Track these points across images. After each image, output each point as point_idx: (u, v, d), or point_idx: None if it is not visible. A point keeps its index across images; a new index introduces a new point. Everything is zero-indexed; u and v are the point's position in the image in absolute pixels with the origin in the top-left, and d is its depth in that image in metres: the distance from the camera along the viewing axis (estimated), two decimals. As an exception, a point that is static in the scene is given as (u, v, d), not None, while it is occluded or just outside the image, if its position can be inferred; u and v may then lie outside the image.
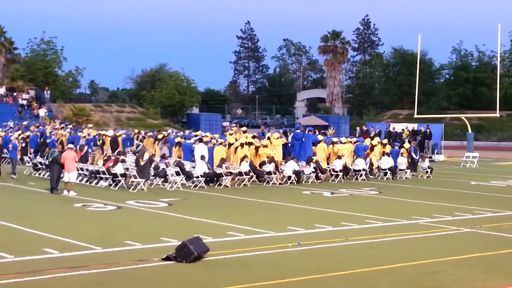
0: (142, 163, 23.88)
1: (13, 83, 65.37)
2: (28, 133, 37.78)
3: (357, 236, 14.86)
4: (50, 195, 22.27)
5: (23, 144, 35.08)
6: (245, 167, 26.33)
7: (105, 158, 25.75)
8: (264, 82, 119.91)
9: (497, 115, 45.24)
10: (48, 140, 34.38)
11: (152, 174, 24.75)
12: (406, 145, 33.13)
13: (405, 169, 30.80)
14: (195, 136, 32.23)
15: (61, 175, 22.80)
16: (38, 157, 29.76)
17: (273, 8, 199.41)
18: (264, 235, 14.92)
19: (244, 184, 26.05)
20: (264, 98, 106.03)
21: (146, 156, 24.13)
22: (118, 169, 24.46)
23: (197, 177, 25.12)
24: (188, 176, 25.31)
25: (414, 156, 31.92)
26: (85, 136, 35.13)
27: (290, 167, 27.35)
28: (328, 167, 28.99)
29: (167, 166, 25.29)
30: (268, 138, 29.58)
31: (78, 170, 24.14)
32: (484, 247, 13.80)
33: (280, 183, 26.86)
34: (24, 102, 61.46)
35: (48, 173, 25.48)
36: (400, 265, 11.95)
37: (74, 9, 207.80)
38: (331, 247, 13.74)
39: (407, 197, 23.28)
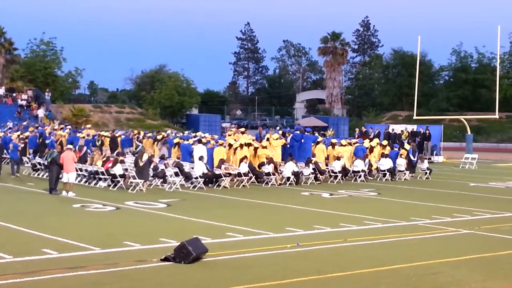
0: (141, 164, 23.88)
1: (12, 84, 65.35)
2: (27, 133, 37.77)
3: (356, 237, 14.86)
4: (49, 196, 22.26)
5: (22, 145, 35.04)
6: (244, 168, 26.33)
7: (104, 158, 25.75)
8: (263, 83, 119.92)
9: (497, 116, 45.29)
10: (47, 141, 34.38)
11: (151, 175, 24.75)
12: (407, 146, 33.15)
13: (404, 171, 30.80)
14: (194, 137, 32.22)
15: (60, 176, 22.79)
16: (37, 157, 29.76)
17: (273, 9, 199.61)
18: (263, 236, 14.92)
19: (243, 185, 26.04)
20: (264, 99, 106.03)
21: (145, 157, 24.13)
22: (117, 169, 24.45)
23: (196, 178, 25.12)
24: (187, 177, 25.31)
25: (412, 157, 31.93)
26: (84, 137, 35.13)
27: (289, 168, 27.35)
28: (327, 168, 29.00)
29: (166, 167, 25.28)
30: (267, 139, 29.58)
31: (77, 171, 24.13)
32: (483, 248, 13.80)
33: (279, 184, 26.86)
34: (24, 103, 61.43)
35: (47, 174, 25.47)
36: (399, 266, 11.95)
37: (74, 10, 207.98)
38: (330, 248, 13.73)
39: (406, 198, 23.28)
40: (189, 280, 10.76)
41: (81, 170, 25.80)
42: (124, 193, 22.89)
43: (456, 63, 78.86)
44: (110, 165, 24.73)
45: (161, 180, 24.88)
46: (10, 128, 45.93)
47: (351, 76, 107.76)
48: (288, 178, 27.20)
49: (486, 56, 77.60)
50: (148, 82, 79.32)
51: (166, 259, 11.90)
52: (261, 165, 27.45)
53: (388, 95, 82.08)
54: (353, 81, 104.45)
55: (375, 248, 13.79)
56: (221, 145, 27.83)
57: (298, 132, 31.28)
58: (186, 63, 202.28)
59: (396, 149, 31.96)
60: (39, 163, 28.99)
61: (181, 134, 40.62)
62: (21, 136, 35.83)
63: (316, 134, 32.86)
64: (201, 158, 25.70)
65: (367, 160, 30.24)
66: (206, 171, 25.40)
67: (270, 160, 27.47)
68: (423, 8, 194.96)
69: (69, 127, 42.41)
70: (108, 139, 35.73)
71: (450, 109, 72.77)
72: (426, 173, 31.53)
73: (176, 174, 24.82)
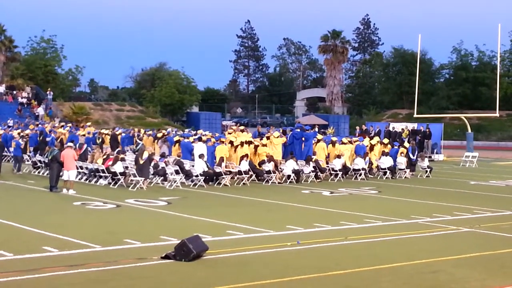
0: (141, 162, 23.89)
1: (13, 82, 65.35)
2: (27, 131, 37.78)
3: (356, 235, 14.87)
4: (50, 193, 22.27)
5: (23, 143, 35.07)
6: (244, 166, 26.33)
7: (105, 156, 25.75)
8: (264, 81, 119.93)
9: (497, 115, 45.24)
10: (48, 139, 34.38)
11: (152, 172, 24.76)
12: (406, 144, 33.15)
13: (404, 169, 30.80)
14: (195, 135, 32.21)
15: (61, 174, 22.80)
16: (37, 155, 29.77)
17: (273, 7, 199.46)
18: (263, 234, 14.92)
19: (244, 183, 26.05)
20: (264, 97, 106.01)
21: (146, 154, 24.13)
22: (118, 167, 24.46)
23: (197, 176, 25.12)
24: (188, 175, 25.31)
25: (411, 156, 31.93)
26: (84, 135, 35.12)
27: (289, 166, 27.35)
28: (328, 167, 29.00)
29: (166, 165, 25.29)
30: (268, 137, 29.58)
31: (77, 169, 24.14)
32: (483, 247, 13.81)
33: (279, 182, 26.86)
34: (24, 101, 61.43)
35: (47, 171, 25.48)
36: (399, 264, 11.95)
37: (74, 8, 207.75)
38: (330, 246, 13.74)
39: (406, 197, 23.29)
40: (190, 278, 10.77)
41: (81, 168, 25.80)
42: (124, 191, 22.90)
43: (456, 61, 78.79)
44: (110, 163, 24.74)
45: (162, 178, 24.89)
46: (10, 126, 45.91)
47: (352, 74, 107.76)
48: (289, 176, 27.20)
49: (487, 54, 77.55)
50: (149, 80, 79.33)
51: (166, 257, 11.91)
52: (261, 163, 27.45)
53: (388, 93, 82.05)
54: (353, 79, 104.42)
55: (376, 246, 13.80)
56: (222, 142, 27.81)
57: (298, 130, 31.26)
58: (187, 61, 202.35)
59: (396, 147, 31.96)
60: (40, 161, 28.99)
61: (182, 132, 40.63)
62: (21, 134, 35.85)
63: (316, 130, 32.77)
64: (201, 156, 25.70)
65: (367, 158, 30.25)
66: (206, 169, 25.40)
67: (270, 158, 27.46)
68: (424, 6, 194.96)
69: (69, 125, 42.39)
70: (109, 137, 35.72)
71: (450, 107, 72.74)
72: (426, 171, 31.53)
73: (177, 172, 24.82)
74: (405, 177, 30.59)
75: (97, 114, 63.95)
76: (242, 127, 34.03)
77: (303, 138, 30.19)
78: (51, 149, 24.51)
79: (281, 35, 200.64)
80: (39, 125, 42.41)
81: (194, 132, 36.27)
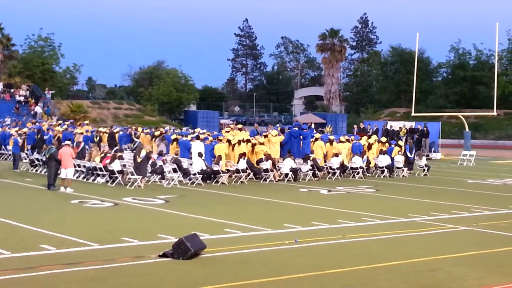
0: (139, 160, 23.88)
1: (10, 80, 65.24)
2: (25, 129, 37.75)
3: (354, 233, 14.87)
4: (47, 192, 22.25)
5: (21, 141, 35.04)
6: (242, 164, 26.33)
7: (102, 155, 25.73)
8: (261, 80, 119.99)
9: (495, 113, 45.31)
10: (45, 137, 34.37)
11: (149, 171, 24.75)
12: (400, 142, 33.21)
13: (402, 167, 30.81)
14: (193, 133, 32.18)
15: (58, 172, 22.78)
16: (35, 153, 29.74)
17: (271, 5, 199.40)
18: (261, 232, 14.93)
19: (241, 182, 26.05)
20: (262, 95, 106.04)
21: (143, 153, 24.12)
22: (115, 165, 24.44)
23: (194, 174, 25.12)
24: (185, 173, 25.30)
25: (409, 154, 31.94)
26: (82, 133, 35.08)
27: (287, 164, 27.35)
28: (325, 165, 29.01)
29: (164, 163, 25.28)
30: (266, 135, 29.58)
31: (75, 167, 24.11)
32: (481, 245, 13.83)
33: (277, 181, 26.86)
34: (22, 99, 61.36)
35: (45, 170, 25.46)
36: (396, 262, 11.96)
37: (72, 6, 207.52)
38: (328, 244, 13.75)
39: (404, 195, 23.30)
40: (187, 276, 10.76)
41: (79, 166, 25.78)
42: (122, 189, 22.89)
43: (454, 60, 78.87)
44: (108, 161, 24.72)
45: (159, 176, 24.88)
46: (8, 124, 45.85)
47: (349, 73, 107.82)
48: (286, 175, 27.19)
49: (484, 53, 77.66)
50: (146, 78, 79.29)
51: (164, 255, 11.90)
52: (259, 161, 27.45)
53: (386, 92, 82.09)
54: (351, 78, 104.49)
55: (373, 245, 13.81)
56: (221, 141, 27.79)
57: (296, 128, 31.26)
58: (184, 60, 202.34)
59: (393, 145, 31.97)
60: (37, 159, 28.96)
61: (179, 130, 40.60)
62: (19, 132, 35.84)
63: (312, 127, 32.74)
64: (199, 155, 25.69)
65: (365, 157, 30.25)
66: (204, 168, 25.40)
67: (268, 157, 27.46)
68: (422, 5, 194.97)
69: (67, 123, 42.33)
70: (106, 135, 35.69)
71: (448, 106, 72.82)
72: (424, 170, 31.55)
73: (174, 170, 24.81)
74: (403, 175, 30.60)
75: (95, 113, 63.91)
76: (240, 126, 34.02)
77: (301, 137, 30.18)
78: (48, 147, 24.48)
79: (279, 33, 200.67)
80: (37, 123, 42.35)
81: (192, 130, 36.22)
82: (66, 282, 10.23)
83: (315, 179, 27.85)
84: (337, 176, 28.49)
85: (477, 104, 71.77)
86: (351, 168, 29.49)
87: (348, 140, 31.71)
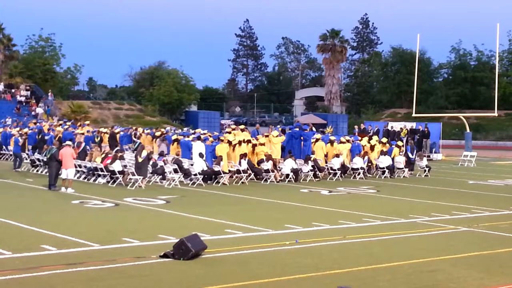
0: (140, 160, 23.88)
1: (11, 80, 65.26)
2: (26, 129, 37.77)
3: (355, 234, 14.87)
4: (48, 192, 22.26)
5: (22, 141, 35.07)
6: (243, 165, 26.33)
7: (103, 155, 25.74)
8: (262, 80, 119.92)
9: (495, 114, 45.28)
10: (46, 137, 34.39)
11: (150, 171, 24.75)
12: (399, 143, 33.21)
13: (403, 168, 30.81)
14: (193, 133, 32.18)
15: (59, 172, 22.78)
16: (36, 153, 29.76)
17: (272, 6, 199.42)
18: (261, 233, 14.93)
19: (242, 182, 26.05)
20: (263, 96, 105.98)
21: (144, 153, 24.13)
22: (116, 166, 24.45)
23: (195, 174, 25.12)
24: (186, 173, 25.31)
25: (410, 155, 31.93)
26: (83, 133, 35.09)
27: (288, 165, 27.35)
28: (326, 166, 29.01)
29: (165, 164, 25.28)
30: (267, 136, 29.59)
31: (75, 167, 24.12)
32: (482, 246, 13.82)
33: (278, 181, 26.86)
34: (22, 99, 61.38)
35: (46, 170, 25.46)
36: (397, 263, 11.96)
37: (73, 6, 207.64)
38: (329, 245, 13.75)
39: (405, 196, 23.29)
40: (188, 276, 10.76)
41: (80, 166, 25.78)
42: (123, 190, 22.89)
43: (455, 60, 78.85)
44: (109, 161, 24.73)
45: (160, 176, 24.88)
46: (9, 124, 45.87)
47: (350, 74, 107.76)
48: (287, 175, 27.20)
49: (485, 54, 77.64)
50: (147, 79, 79.25)
51: (165, 256, 11.91)
52: (260, 162, 27.46)
53: (387, 93, 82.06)
54: (352, 78, 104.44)
55: (374, 245, 13.80)
56: (222, 141, 27.78)
57: (297, 129, 31.26)
58: (185, 60, 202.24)
59: (393, 146, 31.95)
60: (38, 159, 28.98)
61: (180, 130, 40.60)
62: (20, 132, 35.87)
63: (314, 130, 32.75)
64: (201, 155, 25.70)
65: (366, 158, 30.25)
66: (205, 168, 25.40)
67: (269, 157, 27.46)
68: (422, 5, 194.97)
69: (68, 123, 42.34)
70: (107, 136, 35.70)
71: (449, 106, 72.80)
72: (425, 170, 31.55)
73: (175, 171, 24.82)
74: (404, 176, 30.61)
75: (96, 113, 63.91)
76: (242, 126, 34.03)
77: (302, 137, 30.18)
78: (49, 147, 24.50)
79: (280, 34, 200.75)
80: (37, 124, 42.37)
81: (193, 131, 36.22)
82: (66, 282, 10.23)
83: (316, 179, 27.84)
84: (338, 176, 28.49)
85: (478, 105, 71.74)
86: (352, 168, 29.49)
87: (348, 141, 31.71)
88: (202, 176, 25.12)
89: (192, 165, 25.64)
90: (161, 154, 26.96)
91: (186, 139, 29.26)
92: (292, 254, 12.72)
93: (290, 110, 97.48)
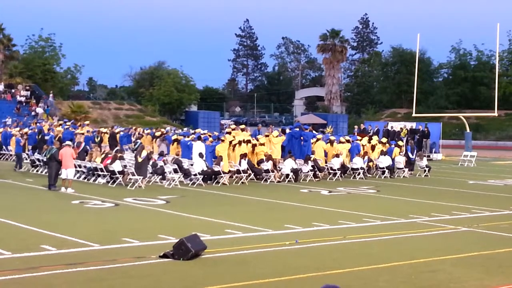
0: (140, 161, 23.88)
1: (11, 80, 65.27)
2: (26, 129, 37.77)
3: (355, 234, 14.87)
4: (48, 192, 22.26)
5: (23, 141, 35.09)
6: (243, 165, 26.33)
7: (103, 155, 25.73)
8: (262, 80, 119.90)
9: (495, 114, 45.26)
10: (46, 137, 34.40)
11: (150, 171, 24.74)
12: (400, 143, 33.20)
13: (403, 168, 30.81)
14: (193, 133, 32.18)
15: (59, 172, 22.78)
16: (36, 153, 29.76)
17: (272, 6, 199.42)
18: (261, 233, 14.92)
19: (242, 182, 26.04)
20: (263, 96, 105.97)
21: (144, 153, 24.12)
22: (116, 166, 24.44)
23: (195, 174, 25.11)
24: (186, 173, 25.30)
25: (410, 155, 31.92)
26: (83, 133, 35.09)
27: (288, 165, 27.35)
28: (326, 166, 29.00)
29: (165, 164, 25.28)
30: (267, 136, 29.58)
31: (75, 167, 24.11)
32: (482, 246, 13.82)
33: (278, 181, 26.86)
34: (22, 99, 61.38)
35: (46, 170, 25.46)
36: (397, 263, 11.95)
37: (73, 6, 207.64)
38: (329, 245, 13.74)
39: (405, 196, 23.29)
40: (188, 276, 10.76)
41: (80, 166, 25.78)
42: (123, 190, 22.89)
43: (455, 60, 78.82)
44: (109, 161, 24.73)
45: (160, 176, 24.88)
46: (9, 124, 45.87)
47: (350, 74, 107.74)
48: (287, 175, 27.19)
49: (485, 54, 77.59)
50: (147, 79, 79.24)
51: (164, 256, 11.90)
52: (260, 162, 27.45)
53: (387, 93, 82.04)
54: (352, 78, 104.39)
55: (374, 246, 13.80)
56: (222, 141, 27.78)
57: (297, 129, 31.25)
58: (185, 60, 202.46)
59: (393, 146, 31.94)
60: (38, 159, 28.97)
61: (180, 131, 40.60)
62: (20, 132, 35.90)
63: (315, 132, 32.74)
64: (201, 155, 25.69)
65: (366, 158, 30.25)
66: (205, 168, 25.40)
67: (269, 157, 27.46)
68: (422, 5, 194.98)
69: (68, 123, 42.34)
70: (107, 136, 35.70)
71: (449, 106, 72.78)
72: (425, 170, 31.54)
73: (175, 171, 24.82)
74: (404, 176, 30.60)
75: (96, 113, 63.92)
76: (243, 126, 34.02)
77: (302, 138, 30.17)
78: (49, 147, 24.50)
79: (280, 34, 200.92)
80: (37, 124, 42.37)
81: (193, 131, 36.21)
82: (66, 283, 10.23)
83: (316, 179, 27.84)
84: (338, 176, 28.49)
85: (478, 104, 71.71)
86: (352, 168, 29.48)
87: (348, 141, 31.71)
88: (202, 176, 25.12)
89: (192, 165, 25.64)
90: (161, 154, 26.96)
91: (186, 139, 29.27)
92: (292, 254, 12.72)
93: (290, 110, 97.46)
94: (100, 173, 24.94)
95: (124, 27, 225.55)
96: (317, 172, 28.14)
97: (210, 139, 28.94)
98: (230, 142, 27.71)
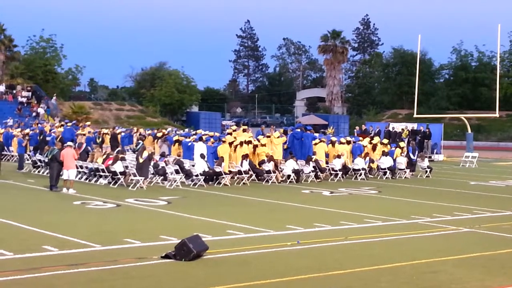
0: (141, 161, 23.88)
1: (12, 81, 65.31)
2: (27, 130, 37.79)
3: (356, 235, 14.86)
4: (50, 193, 22.27)
5: (25, 142, 35.11)
6: (245, 166, 26.32)
7: (105, 156, 25.74)
8: (263, 81, 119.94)
9: (497, 115, 45.21)
10: (48, 138, 34.40)
11: (152, 172, 24.75)
12: (401, 144, 33.19)
13: (404, 169, 30.80)
14: (195, 134, 32.19)
15: (61, 173, 22.79)
16: (37, 154, 29.78)
17: (273, 7, 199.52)
18: (263, 234, 14.92)
19: (244, 183, 26.04)
20: (264, 97, 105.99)
21: (145, 154, 24.13)
22: (118, 167, 24.45)
23: (197, 175, 25.12)
24: (188, 174, 25.31)
25: (411, 156, 31.92)
26: (84, 134, 35.10)
27: (289, 166, 27.35)
28: (328, 166, 28.99)
29: (166, 164, 25.29)
30: (268, 136, 29.57)
31: (77, 168, 24.13)
32: (483, 247, 13.81)
33: (279, 182, 26.86)
34: (24, 100, 61.43)
35: (47, 171, 25.48)
36: (399, 264, 11.95)
37: (74, 7, 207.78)
38: (330, 246, 13.74)
39: (406, 197, 23.28)
40: (190, 277, 10.76)
41: (81, 167, 25.79)
42: (124, 191, 22.89)
43: (456, 61, 78.82)
44: (110, 162, 24.73)
45: (162, 177, 24.88)
46: (10, 125, 45.90)
47: (351, 75, 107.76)
48: (289, 176, 27.19)
49: (486, 55, 77.58)
50: (148, 80, 79.29)
51: (166, 257, 11.90)
52: (261, 163, 27.45)
53: (388, 94, 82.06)
54: (353, 79, 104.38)
55: (375, 246, 13.79)
56: (224, 142, 27.79)
57: (298, 130, 31.25)
58: (186, 61, 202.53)
59: (393, 148, 31.92)
60: (40, 160, 28.99)
61: (181, 131, 40.61)
62: (22, 133, 35.92)
63: (316, 134, 32.70)
64: (202, 156, 25.70)
65: (367, 158, 30.24)
66: (206, 169, 25.40)
67: (270, 158, 27.47)
68: (424, 6, 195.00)
69: (70, 124, 42.33)
70: (109, 137, 35.70)
71: (450, 107, 72.77)
72: (426, 171, 31.53)
73: (177, 172, 24.82)
74: (405, 177, 30.59)
75: (97, 114, 63.94)
76: (244, 127, 34.02)
77: (303, 139, 30.16)
78: (51, 148, 24.50)
79: (280, 35, 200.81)
80: (39, 124, 42.40)
81: (194, 132, 36.20)
82: (68, 283, 10.23)
83: (317, 180, 27.84)
84: (339, 177, 28.48)
85: (479, 105, 71.71)
86: (353, 169, 29.48)
87: (348, 142, 31.71)
88: (203, 177, 25.12)
89: (193, 166, 25.64)
90: (163, 155, 26.97)
91: (188, 139, 29.28)
92: (294, 255, 12.71)
93: (291, 111, 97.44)
94: (101, 173, 24.95)
95: (125, 28, 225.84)
96: (319, 173, 28.14)
97: (212, 139, 28.95)
98: (232, 143, 27.71)
